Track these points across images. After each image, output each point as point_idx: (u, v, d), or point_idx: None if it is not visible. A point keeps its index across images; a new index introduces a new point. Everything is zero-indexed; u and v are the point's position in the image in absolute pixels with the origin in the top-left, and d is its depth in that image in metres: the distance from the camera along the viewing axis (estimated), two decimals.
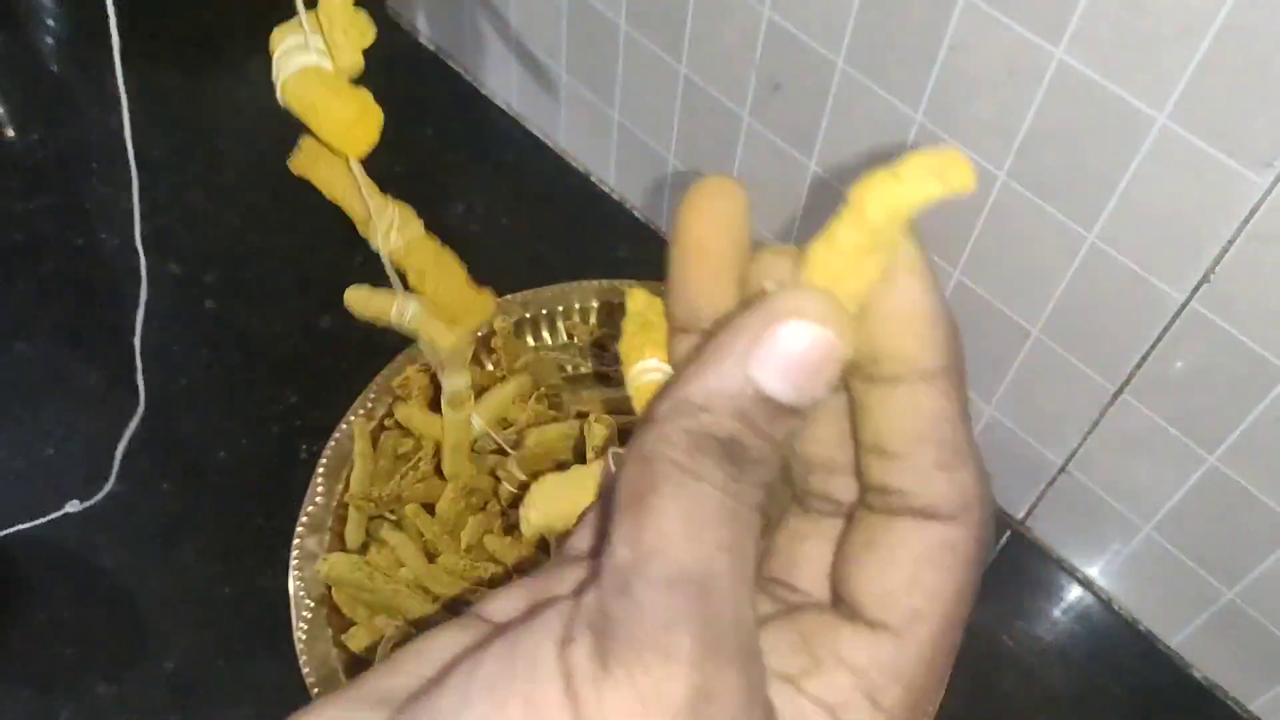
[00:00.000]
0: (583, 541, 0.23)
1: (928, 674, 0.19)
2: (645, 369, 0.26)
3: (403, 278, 0.34)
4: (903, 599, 0.19)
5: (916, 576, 0.19)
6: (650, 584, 0.17)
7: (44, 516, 0.54)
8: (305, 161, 0.30)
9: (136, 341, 0.35)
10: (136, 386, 0.60)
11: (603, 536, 0.21)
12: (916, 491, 0.19)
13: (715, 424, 0.18)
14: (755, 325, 0.18)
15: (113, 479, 0.45)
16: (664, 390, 0.19)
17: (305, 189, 0.68)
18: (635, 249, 0.65)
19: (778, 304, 0.18)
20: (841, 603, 0.20)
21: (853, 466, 0.21)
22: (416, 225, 0.31)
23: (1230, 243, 0.40)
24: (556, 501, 0.26)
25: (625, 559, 0.18)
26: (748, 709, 0.18)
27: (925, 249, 0.19)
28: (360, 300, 0.36)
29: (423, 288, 0.30)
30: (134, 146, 0.76)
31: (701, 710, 0.17)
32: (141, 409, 0.38)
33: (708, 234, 0.20)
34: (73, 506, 0.49)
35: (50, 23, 0.77)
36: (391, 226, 0.29)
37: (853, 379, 0.20)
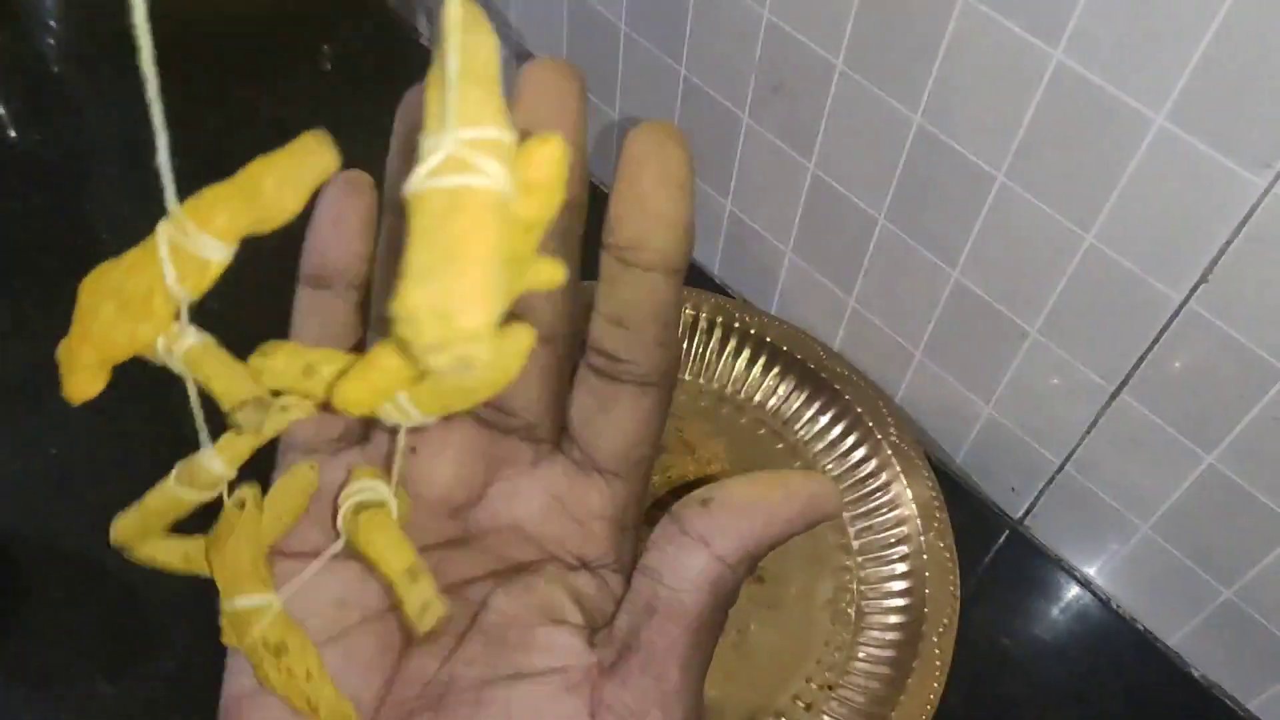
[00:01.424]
0: None
1: (640, 507, 0.25)
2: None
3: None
4: (628, 454, 0.24)
5: (639, 434, 0.24)
6: None
7: (44, 517, 0.54)
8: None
9: None
10: (138, 387, 0.60)
11: None
12: (639, 361, 0.23)
13: None
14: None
15: None
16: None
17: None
18: None
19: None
20: (575, 449, 0.25)
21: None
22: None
23: (1228, 243, 0.40)
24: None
25: None
26: None
27: (693, 164, 0.23)
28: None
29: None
30: (134, 148, 0.76)
31: None
32: None
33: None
34: None
35: (51, 23, 0.77)
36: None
37: (610, 256, 0.23)
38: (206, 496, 0.25)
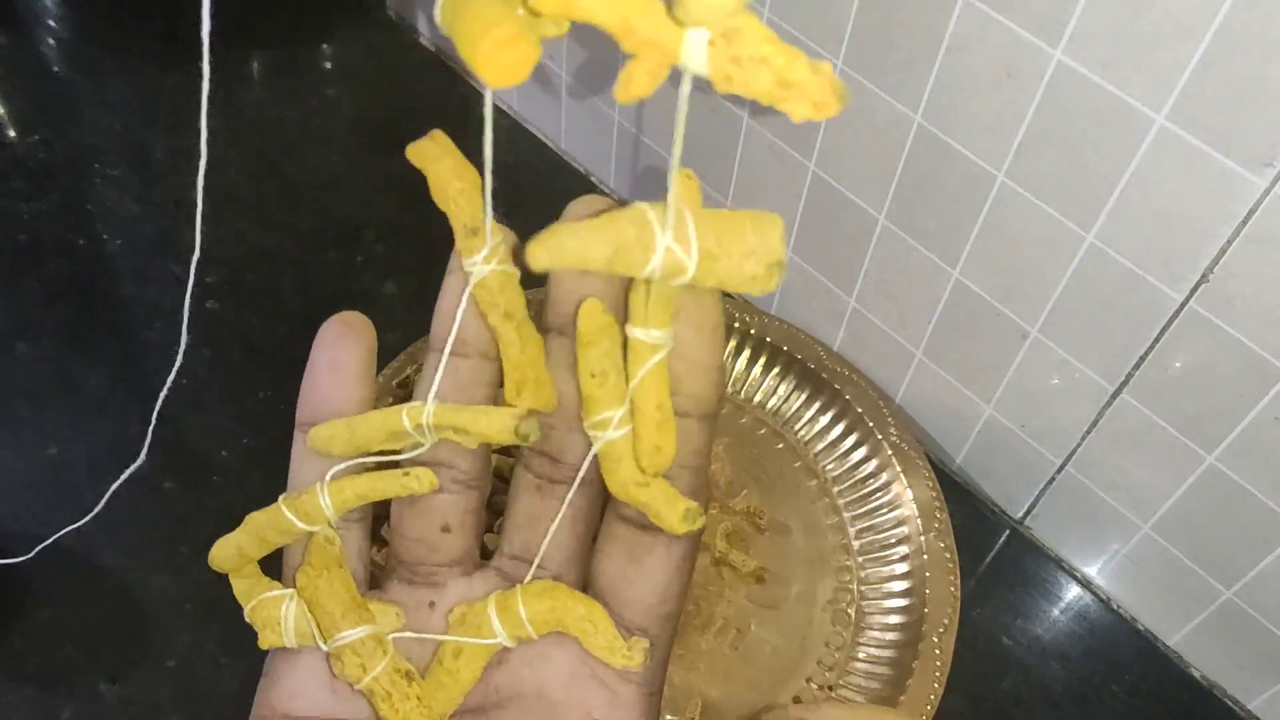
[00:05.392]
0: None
1: (666, 662, 0.24)
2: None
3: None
4: (659, 608, 0.23)
5: (670, 587, 0.23)
6: None
7: (45, 517, 0.54)
8: (429, 151, 0.25)
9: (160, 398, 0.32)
10: (139, 387, 0.60)
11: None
12: None
13: None
14: None
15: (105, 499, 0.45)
16: None
17: (306, 189, 0.68)
18: None
19: None
20: (603, 606, 0.23)
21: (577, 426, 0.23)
22: (514, 264, 0.26)
23: (1229, 243, 0.40)
24: (569, 241, 0.22)
25: None
26: None
27: (722, 304, 0.22)
28: (337, 434, 0.25)
29: (509, 329, 0.24)
30: (134, 148, 0.76)
31: None
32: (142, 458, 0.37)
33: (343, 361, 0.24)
34: None
35: (52, 24, 0.77)
36: (495, 252, 0.25)
37: None
38: (303, 530, 0.25)
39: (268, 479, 0.56)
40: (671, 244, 0.21)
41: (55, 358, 0.61)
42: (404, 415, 0.24)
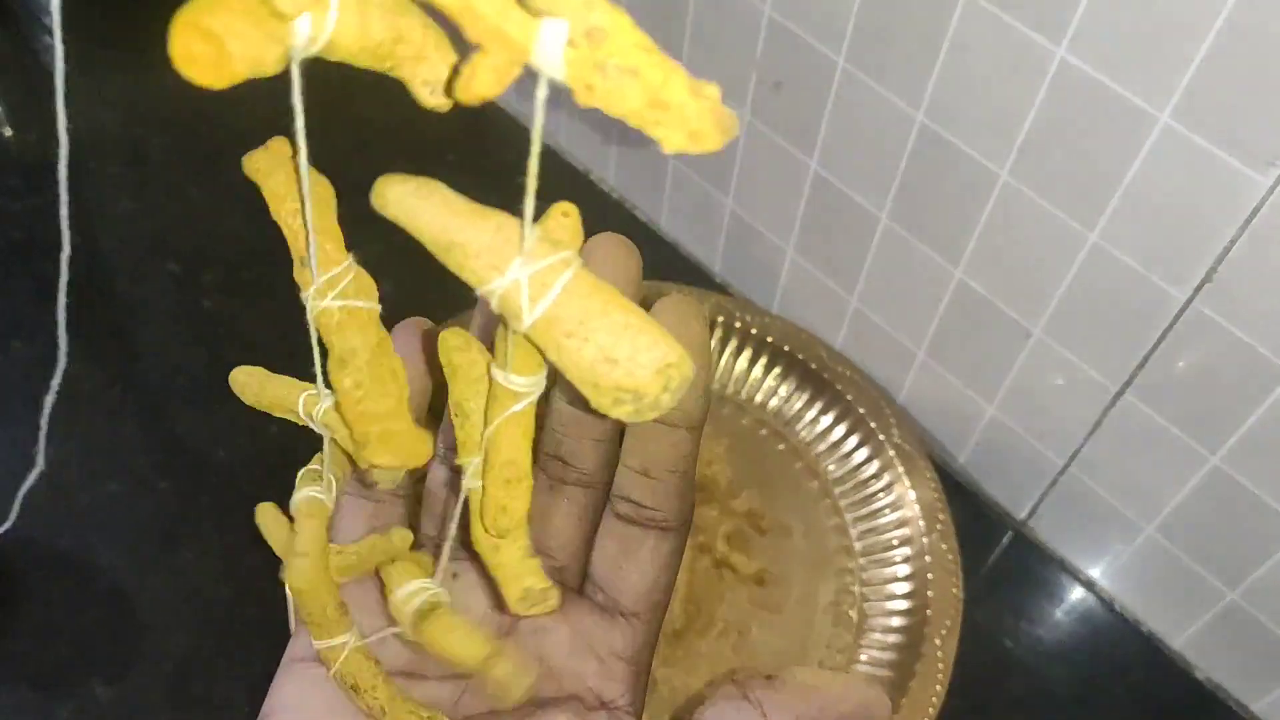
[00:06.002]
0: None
1: (652, 654, 0.27)
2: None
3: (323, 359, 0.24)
4: (649, 596, 0.26)
5: (659, 578, 0.26)
6: None
7: (39, 516, 0.53)
8: (261, 164, 0.22)
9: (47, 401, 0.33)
10: (136, 386, 0.60)
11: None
12: (662, 508, 0.25)
13: None
14: None
15: (12, 518, 0.45)
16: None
17: None
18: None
19: None
20: (599, 592, 0.26)
21: (594, 437, 0.25)
22: (370, 298, 0.23)
23: (1233, 242, 0.39)
24: (416, 203, 0.20)
25: None
26: None
27: (705, 317, 0.25)
28: (250, 385, 0.26)
29: (342, 378, 0.22)
30: (133, 145, 0.76)
31: None
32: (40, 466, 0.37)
33: None
34: None
35: (48, 21, 0.77)
36: (337, 283, 0.22)
37: None
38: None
39: (264, 479, 0.55)
40: (524, 281, 0.18)
41: (49, 356, 0.60)
42: (302, 400, 0.24)
